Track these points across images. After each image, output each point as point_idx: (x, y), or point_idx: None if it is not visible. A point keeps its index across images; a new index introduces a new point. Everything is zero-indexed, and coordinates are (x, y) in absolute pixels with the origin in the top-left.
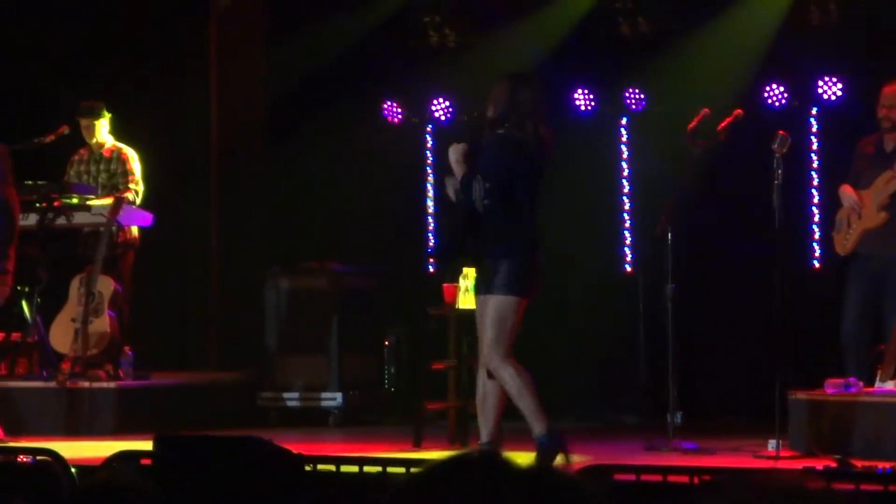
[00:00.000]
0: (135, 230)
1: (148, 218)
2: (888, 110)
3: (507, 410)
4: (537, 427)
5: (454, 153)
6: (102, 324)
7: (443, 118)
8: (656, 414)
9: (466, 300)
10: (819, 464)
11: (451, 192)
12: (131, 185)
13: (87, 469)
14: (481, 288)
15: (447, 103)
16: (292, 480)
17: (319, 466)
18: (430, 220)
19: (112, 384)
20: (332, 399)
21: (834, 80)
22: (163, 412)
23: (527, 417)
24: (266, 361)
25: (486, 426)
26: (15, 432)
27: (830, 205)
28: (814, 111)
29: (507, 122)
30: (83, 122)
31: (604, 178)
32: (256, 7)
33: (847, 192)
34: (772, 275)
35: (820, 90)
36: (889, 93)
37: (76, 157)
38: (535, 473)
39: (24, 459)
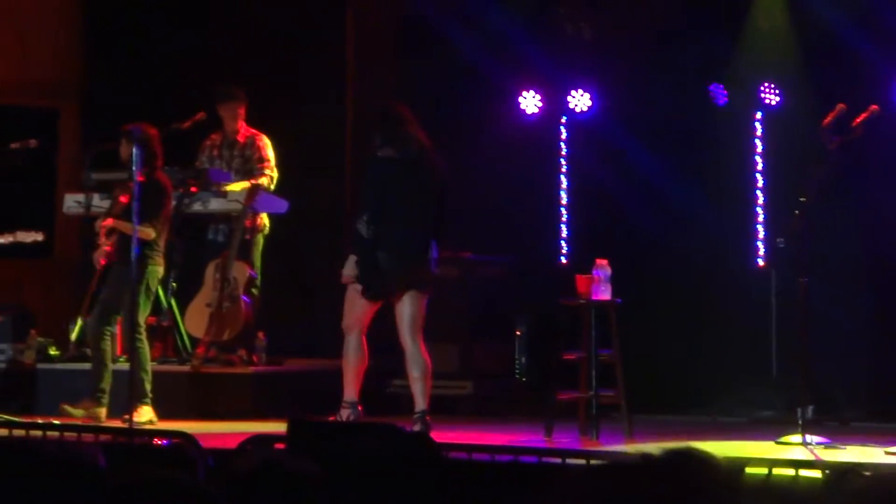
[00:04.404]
0: (264, 216)
1: (283, 205)
2: None
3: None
4: (424, 404)
5: None
6: (237, 309)
7: (581, 110)
8: (788, 408)
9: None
10: None
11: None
12: (266, 172)
13: (222, 453)
14: (402, 285)
15: (584, 94)
16: (431, 468)
17: (451, 454)
18: (563, 210)
19: (246, 369)
20: (463, 387)
21: None
22: (295, 398)
23: (422, 394)
24: (398, 349)
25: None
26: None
27: None
28: None
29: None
30: (226, 106)
31: (736, 172)
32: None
33: None
34: None
35: None
36: None
37: (208, 143)
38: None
39: (160, 442)
